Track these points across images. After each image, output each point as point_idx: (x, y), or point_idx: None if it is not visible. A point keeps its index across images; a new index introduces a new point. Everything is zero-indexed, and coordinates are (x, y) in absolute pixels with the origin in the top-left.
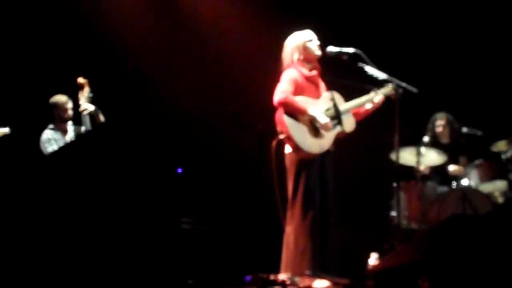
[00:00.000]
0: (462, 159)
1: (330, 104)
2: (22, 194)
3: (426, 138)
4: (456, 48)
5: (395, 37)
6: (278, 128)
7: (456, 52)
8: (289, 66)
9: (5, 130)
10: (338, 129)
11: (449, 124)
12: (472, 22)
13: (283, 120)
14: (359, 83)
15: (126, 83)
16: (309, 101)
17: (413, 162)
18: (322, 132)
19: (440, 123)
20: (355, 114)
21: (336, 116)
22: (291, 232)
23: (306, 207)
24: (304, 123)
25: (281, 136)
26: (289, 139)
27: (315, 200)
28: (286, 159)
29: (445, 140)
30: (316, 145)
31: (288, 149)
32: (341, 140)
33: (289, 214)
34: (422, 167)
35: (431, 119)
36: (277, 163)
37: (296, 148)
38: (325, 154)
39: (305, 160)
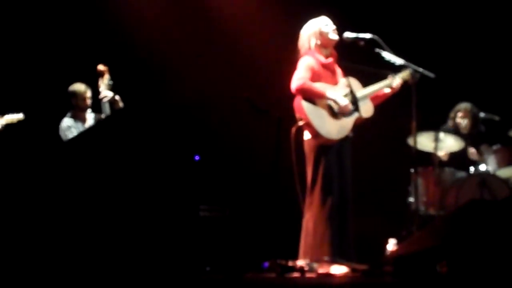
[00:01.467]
0: (484, 147)
1: (347, 90)
2: (41, 180)
3: (446, 126)
4: (472, 32)
5: (411, 22)
6: (297, 115)
7: (472, 36)
8: (306, 53)
9: (19, 116)
10: (355, 115)
11: (472, 116)
12: (487, 6)
13: (302, 106)
14: (376, 68)
15: (144, 70)
16: (327, 87)
17: (430, 148)
18: (340, 115)
19: (463, 114)
20: (373, 99)
21: (353, 102)
22: (310, 218)
23: (325, 193)
24: (323, 108)
25: (300, 123)
26: (308, 125)
27: (334, 186)
28: (305, 146)
29: (465, 131)
30: (335, 131)
31: (307, 135)
32: (360, 126)
33: (308, 201)
34: (440, 153)
35: (455, 108)
36: (296, 149)
37: (315, 134)
38: (344, 140)
39: (324, 146)
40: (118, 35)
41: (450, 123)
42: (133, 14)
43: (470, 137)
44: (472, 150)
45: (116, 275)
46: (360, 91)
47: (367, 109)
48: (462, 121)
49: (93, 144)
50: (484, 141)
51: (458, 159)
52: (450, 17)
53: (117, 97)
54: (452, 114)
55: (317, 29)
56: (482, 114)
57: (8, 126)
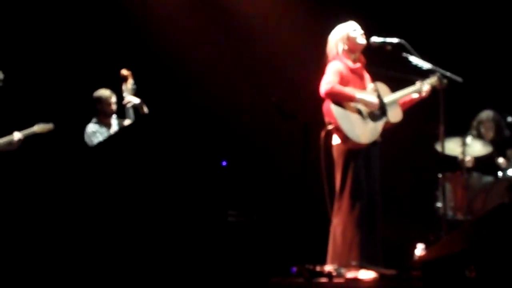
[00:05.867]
0: (510, 152)
1: (375, 95)
2: (68, 186)
3: (470, 135)
4: (501, 36)
5: (438, 26)
6: (326, 119)
7: (501, 40)
8: (334, 58)
9: (49, 126)
10: (384, 119)
11: (495, 124)
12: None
13: (331, 110)
14: (404, 73)
15: (170, 75)
16: (356, 91)
17: (458, 153)
18: (369, 119)
19: (485, 122)
20: (401, 105)
21: (381, 107)
22: (338, 223)
23: (354, 198)
24: (352, 112)
25: (329, 127)
26: (338, 129)
27: (363, 191)
28: (334, 150)
29: (489, 138)
30: (364, 136)
31: (336, 140)
32: (388, 131)
33: (336, 206)
34: (466, 159)
35: (477, 117)
36: (325, 154)
37: (345, 138)
38: (373, 145)
39: (353, 151)
40: (142, 39)
41: (473, 132)
42: (157, 18)
43: (496, 144)
44: (501, 160)
45: (145, 279)
46: (388, 96)
47: (395, 114)
48: (486, 131)
49: (118, 150)
50: (510, 145)
51: (485, 164)
52: (476, 20)
53: (141, 103)
54: (474, 124)
55: (345, 34)
56: (509, 119)
57: (37, 135)
